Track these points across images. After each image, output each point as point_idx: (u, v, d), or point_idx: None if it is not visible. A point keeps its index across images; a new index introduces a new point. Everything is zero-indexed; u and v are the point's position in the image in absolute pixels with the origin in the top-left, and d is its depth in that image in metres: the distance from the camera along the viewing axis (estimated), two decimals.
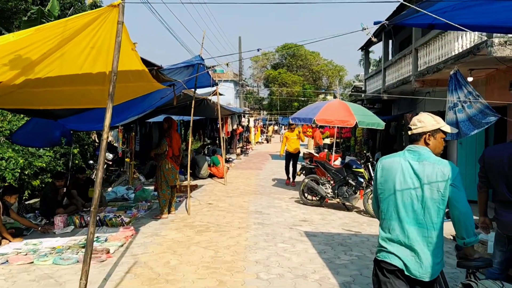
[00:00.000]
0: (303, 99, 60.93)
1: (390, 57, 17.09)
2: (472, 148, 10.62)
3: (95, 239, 6.31)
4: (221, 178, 13.42)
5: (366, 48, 19.33)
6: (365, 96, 19.08)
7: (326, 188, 9.21)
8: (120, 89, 6.13)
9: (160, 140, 8.17)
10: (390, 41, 18.31)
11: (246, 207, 9.06)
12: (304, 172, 10.22)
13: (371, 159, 8.87)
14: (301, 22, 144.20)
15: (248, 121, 27.58)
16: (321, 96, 63.67)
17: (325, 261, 5.49)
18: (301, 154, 12.58)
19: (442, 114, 12.60)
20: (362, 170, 8.81)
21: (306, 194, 9.54)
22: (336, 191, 9.04)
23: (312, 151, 20.96)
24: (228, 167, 16.58)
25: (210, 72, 11.83)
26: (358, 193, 8.99)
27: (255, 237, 6.57)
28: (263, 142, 39.24)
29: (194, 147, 26.14)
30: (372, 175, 8.71)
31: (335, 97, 56.51)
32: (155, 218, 7.84)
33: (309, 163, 12.58)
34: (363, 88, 22.09)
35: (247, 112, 27.50)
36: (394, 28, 16.37)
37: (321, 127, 19.77)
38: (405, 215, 2.61)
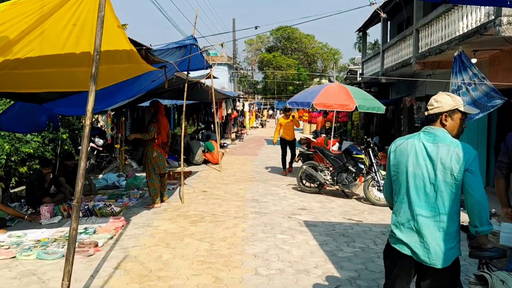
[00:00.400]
0: (298, 82, 60.45)
1: (388, 40, 16.65)
2: (475, 133, 10.32)
3: (83, 230, 5.97)
4: (216, 164, 13.07)
5: (363, 29, 18.87)
6: (362, 79, 18.69)
7: (325, 175, 8.89)
8: (107, 71, 5.72)
9: (148, 125, 7.74)
10: (389, 23, 17.85)
11: (242, 195, 8.73)
12: (301, 158, 9.88)
13: (371, 145, 8.54)
14: (297, 4, 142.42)
15: (243, 105, 27.13)
16: (316, 79, 63.24)
17: (327, 254, 5.18)
18: (297, 139, 12.24)
19: None
20: (362, 156, 8.48)
21: (304, 181, 9.22)
22: (335, 178, 8.73)
23: (309, 136, 20.65)
24: (223, 153, 16.22)
25: (203, 54, 11.39)
26: (358, 180, 8.68)
27: (252, 228, 6.24)
28: (258, 127, 38.88)
29: (188, 132, 25.75)
30: (373, 161, 8.40)
31: (330, 81, 56.12)
32: (147, 207, 7.49)
33: (306, 148, 12.27)
34: (359, 72, 21.70)
35: (242, 96, 27.02)
36: (392, 9, 15.91)
37: (324, 112, 19.35)
38: (417, 198, 2.52)
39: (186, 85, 8.17)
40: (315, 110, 14.51)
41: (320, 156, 9.49)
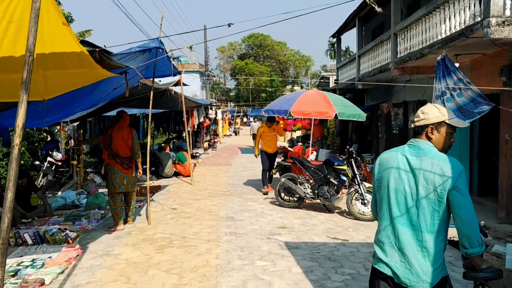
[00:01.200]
0: (270, 90, 60.23)
1: (363, 45, 16.30)
2: (456, 141, 9.93)
3: (29, 263, 5.12)
4: (188, 176, 12.28)
5: (338, 35, 18.51)
6: (337, 86, 18.29)
7: (305, 188, 8.27)
8: (56, 77, 4.92)
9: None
10: (363, 28, 17.54)
11: (216, 211, 8.00)
12: (279, 170, 9.23)
13: (354, 155, 7.98)
14: (270, 11, 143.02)
15: (216, 113, 26.40)
16: (289, 87, 63.28)
17: (314, 285, 4.52)
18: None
19: (422, 104, 11.96)
20: (345, 167, 7.91)
21: (282, 195, 8.57)
22: (316, 191, 8.11)
23: (285, 145, 20.10)
24: (195, 164, 15.43)
25: (172, 60, 10.58)
26: (340, 193, 8.09)
27: (227, 253, 5.52)
28: (231, 135, 38.16)
29: (159, 142, 24.77)
30: (356, 172, 7.84)
31: (302, 88, 56.01)
32: (109, 230, 6.67)
33: (283, 158, 11.64)
34: (334, 78, 21.35)
35: (214, 104, 26.29)
36: (366, 14, 15.59)
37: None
38: (398, 215, 2.40)
39: (152, 93, 7.39)
40: (291, 117, 13.97)
41: (298, 167, 8.88)
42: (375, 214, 2.69)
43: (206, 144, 21.94)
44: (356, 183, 7.78)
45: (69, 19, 19.71)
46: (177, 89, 11.53)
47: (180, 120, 19.32)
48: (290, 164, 9.07)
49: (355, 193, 7.78)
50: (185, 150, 17.31)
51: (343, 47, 65.11)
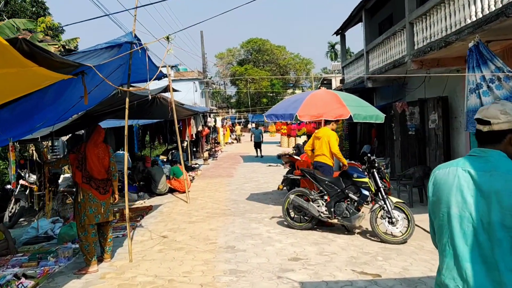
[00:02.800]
0: (271, 94, 59.05)
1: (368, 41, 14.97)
2: None
3: None
4: (184, 192, 10.95)
5: (342, 31, 17.22)
6: (344, 86, 16.96)
7: (318, 206, 6.93)
8: None
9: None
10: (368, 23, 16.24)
11: (213, 239, 6.66)
12: (286, 184, 7.89)
13: (376, 164, 6.64)
14: (268, 15, 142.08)
15: (215, 120, 25.11)
16: (290, 91, 62.42)
17: None
18: (274, 154, 10.23)
19: (444, 101, 10.59)
20: (366, 179, 6.57)
21: (292, 214, 7.25)
22: (332, 209, 6.77)
23: (289, 151, 18.75)
24: (193, 177, 14.11)
25: (170, 70, 9.42)
26: (362, 210, 6.76)
27: None
28: (233, 142, 36.85)
29: (157, 153, 23.46)
30: (380, 185, 6.50)
31: (303, 91, 54.73)
32: (78, 273, 5.33)
33: (290, 168, 10.32)
34: (340, 78, 20.05)
35: (213, 111, 25.02)
36: (372, 7, 14.31)
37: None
38: (465, 249, 1.83)
39: (127, 100, 6.08)
40: (296, 122, 12.65)
41: (309, 181, 7.55)
42: (435, 244, 2.11)
43: (206, 154, 20.62)
44: (381, 198, 6.45)
45: (60, 29, 18.58)
46: (168, 95, 10.25)
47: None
48: (299, 177, 7.73)
49: (380, 210, 6.44)
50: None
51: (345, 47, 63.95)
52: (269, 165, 17.58)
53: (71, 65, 3.84)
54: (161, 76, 7.42)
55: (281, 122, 20.82)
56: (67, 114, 6.47)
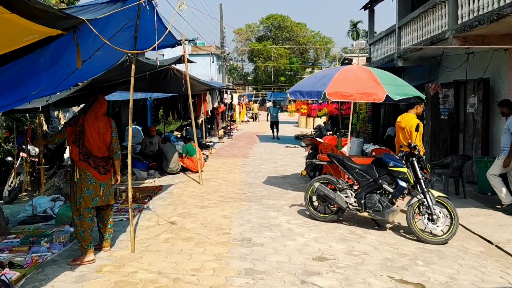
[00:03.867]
0: (289, 73, 57.75)
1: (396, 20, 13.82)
2: None
3: None
4: (197, 172, 10.24)
5: (370, 5, 16.05)
6: (370, 65, 15.90)
7: (347, 196, 6.12)
8: None
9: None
10: None
11: (226, 228, 5.93)
12: (309, 170, 7.07)
13: (417, 152, 5.77)
14: None
15: (232, 97, 24.26)
16: (308, 70, 61.14)
17: None
18: (291, 135, 9.38)
19: (485, 83, 9.53)
20: (404, 169, 5.72)
21: (315, 203, 6.47)
22: (363, 201, 5.96)
23: (309, 133, 17.89)
24: (207, 156, 13.39)
25: (187, 43, 8.65)
26: (396, 203, 5.93)
27: None
28: (249, 121, 36.03)
29: (171, 129, 22.80)
30: (420, 176, 5.65)
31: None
32: (72, 264, 4.66)
33: (311, 151, 9.50)
34: (363, 57, 18.93)
35: (230, 88, 24.15)
36: None
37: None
38: None
39: (133, 67, 5.28)
40: (323, 101, 11.74)
41: (336, 167, 6.74)
42: None
43: (221, 132, 19.88)
44: (420, 190, 5.61)
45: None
46: (182, 67, 9.43)
47: (192, 104, 17.27)
48: (325, 162, 6.91)
49: (419, 205, 5.61)
50: (198, 142, 15.31)
51: (364, 28, 62.14)
52: (287, 146, 16.76)
53: (57, 15, 3.05)
54: (175, 43, 6.61)
55: (301, 101, 19.79)
56: (67, 81, 5.72)
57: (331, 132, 11.81)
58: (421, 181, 5.63)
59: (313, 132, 19.80)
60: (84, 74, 5.95)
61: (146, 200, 7.50)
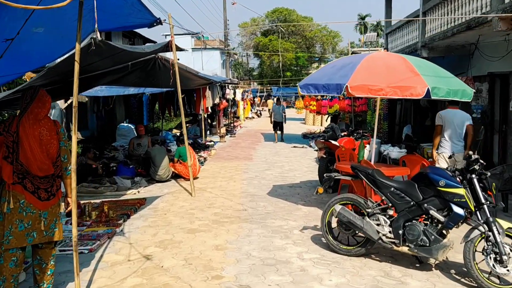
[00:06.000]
0: (295, 68, 56.12)
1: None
2: None
3: None
4: (189, 180, 8.70)
5: None
6: None
7: (379, 224, 4.59)
8: None
9: None
10: None
11: (218, 268, 4.42)
12: (328, 186, 5.52)
13: (477, 165, 4.22)
14: None
15: (234, 93, 22.70)
16: (315, 65, 59.56)
17: None
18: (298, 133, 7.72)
19: None
20: (460, 190, 4.17)
21: (335, 230, 4.95)
22: (401, 232, 4.43)
23: (317, 130, 16.33)
24: (204, 159, 11.88)
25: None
26: (448, 236, 4.39)
27: None
28: (253, 117, 34.47)
29: (171, 126, 21.29)
30: (483, 201, 4.11)
31: None
32: None
33: (325, 156, 7.97)
34: (383, 47, 17.29)
35: (233, 83, 22.58)
36: None
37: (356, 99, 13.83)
38: None
39: (77, 46, 3.75)
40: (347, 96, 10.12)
41: (361, 184, 5.22)
42: None
43: (223, 130, 18.35)
44: (483, 220, 4.07)
45: None
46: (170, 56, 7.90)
47: (191, 100, 15.77)
48: (348, 177, 5.34)
49: (481, 240, 4.08)
50: (196, 142, 13.81)
51: (372, 22, 60.40)
52: (294, 146, 15.22)
53: None
54: (153, 21, 5.08)
55: (310, 96, 18.10)
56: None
57: (346, 133, 10.20)
58: (485, 207, 4.09)
59: (321, 131, 18.18)
60: (23, 62, 4.44)
61: (121, 221, 5.99)
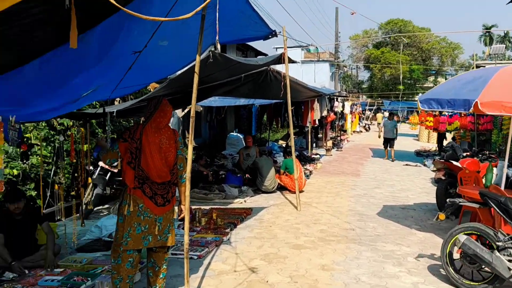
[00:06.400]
0: (409, 81, 53.29)
1: None
2: None
3: None
4: (295, 192, 8.61)
5: None
6: None
7: (510, 259, 3.99)
8: None
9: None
10: None
11: None
12: (449, 212, 4.99)
13: None
14: None
15: (343, 105, 22.20)
16: (431, 78, 55.98)
17: None
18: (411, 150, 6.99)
19: None
20: None
21: (456, 262, 4.43)
22: None
23: (432, 148, 15.16)
24: (310, 172, 11.72)
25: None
26: None
27: None
28: (361, 131, 33.42)
29: (277, 137, 21.55)
30: None
31: (446, 80, 47.86)
32: None
33: (444, 178, 7.30)
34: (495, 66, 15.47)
35: (342, 96, 22.12)
36: None
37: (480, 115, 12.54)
38: None
39: (198, 57, 3.86)
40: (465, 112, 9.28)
41: (488, 212, 4.61)
42: None
43: (329, 144, 18.01)
44: None
45: None
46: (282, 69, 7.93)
47: (298, 112, 15.78)
48: (476, 205, 4.77)
49: None
50: (302, 154, 13.73)
51: (499, 33, 55.01)
52: (406, 164, 14.31)
53: None
54: (268, 33, 5.10)
55: (426, 112, 16.84)
56: (126, 82, 4.56)
57: (469, 153, 9.25)
58: None
59: (435, 149, 16.84)
60: (148, 74, 4.74)
61: (228, 230, 6.09)
